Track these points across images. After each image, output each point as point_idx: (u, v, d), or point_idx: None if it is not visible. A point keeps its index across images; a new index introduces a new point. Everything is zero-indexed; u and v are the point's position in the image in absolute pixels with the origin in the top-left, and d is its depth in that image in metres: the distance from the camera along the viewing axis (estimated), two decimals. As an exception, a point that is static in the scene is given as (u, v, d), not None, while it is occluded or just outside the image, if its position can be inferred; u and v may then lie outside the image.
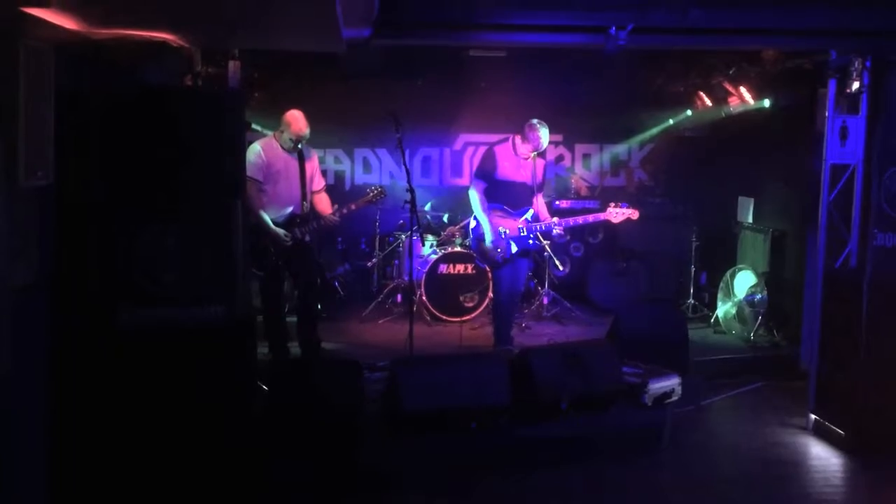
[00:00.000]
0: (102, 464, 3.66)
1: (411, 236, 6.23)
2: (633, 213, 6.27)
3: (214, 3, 3.61)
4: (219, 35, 4.60)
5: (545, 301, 7.98)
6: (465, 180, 9.01)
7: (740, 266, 7.63)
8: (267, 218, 5.81)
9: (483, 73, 8.36)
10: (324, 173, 6.55)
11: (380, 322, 7.60)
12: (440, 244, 7.91)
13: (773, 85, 7.14)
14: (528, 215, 6.22)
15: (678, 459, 5.02)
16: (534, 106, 7.07)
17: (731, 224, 8.29)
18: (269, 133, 6.20)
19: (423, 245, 7.84)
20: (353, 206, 6.17)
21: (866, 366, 5.02)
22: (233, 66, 5.50)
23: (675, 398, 5.28)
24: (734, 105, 7.98)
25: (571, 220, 6.25)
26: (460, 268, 7.62)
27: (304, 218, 6.02)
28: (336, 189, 8.60)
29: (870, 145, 5.29)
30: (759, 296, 7.24)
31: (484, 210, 6.19)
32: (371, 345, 6.77)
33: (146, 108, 3.76)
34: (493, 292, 6.80)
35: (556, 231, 6.18)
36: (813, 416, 5.46)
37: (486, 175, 6.22)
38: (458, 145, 9.49)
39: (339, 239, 8.53)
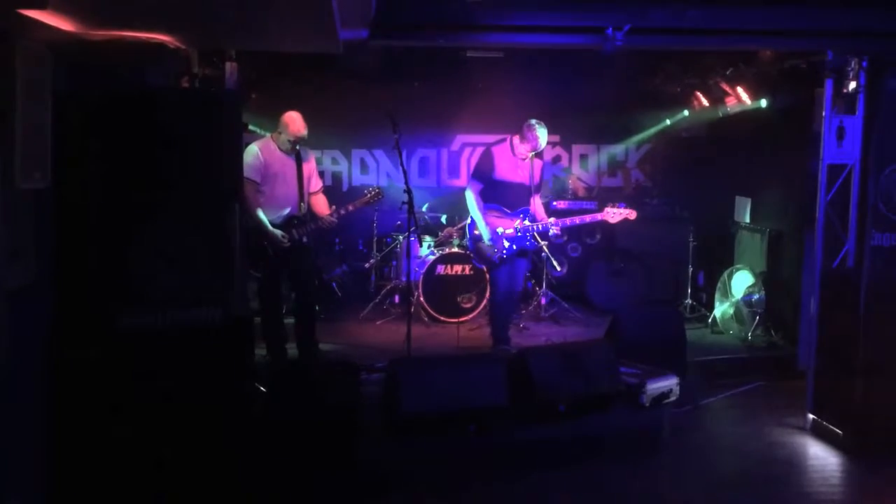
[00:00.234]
0: (100, 465, 3.65)
1: (409, 237, 6.22)
2: (631, 214, 6.28)
3: (211, 4, 3.61)
4: (216, 36, 4.61)
5: (543, 301, 7.99)
6: (462, 181, 9.01)
7: (738, 266, 7.64)
8: (265, 219, 5.80)
9: (480, 74, 8.37)
10: (321, 174, 6.56)
11: (377, 323, 7.60)
12: (438, 245, 7.91)
13: (770, 85, 7.15)
14: (526, 216, 6.22)
15: (676, 460, 5.02)
16: (531, 107, 7.08)
17: (728, 224, 8.30)
18: (267, 134, 6.19)
19: (421, 246, 7.84)
20: (350, 207, 6.17)
21: (864, 365, 5.02)
22: (230, 67, 5.51)
23: (672, 398, 5.28)
24: (731, 105, 7.99)
25: (568, 221, 6.25)
26: (458, 269, 7.62)
27: (302, 219, 6.01)
28: (333, 190, 8.59)
29: (866, 145, 5.30)
30: (756, 296, 7.24)
31: (480, 210, 6.19)
32: (369, 346, 6.76)
33: (143, 109, 3.76)
34: (491, 293, 6.79)
35: (553, 231, 6.19)
36: (811, 416, 5.47)
37: (484, 175, 6.22)
38: (455, 146, 9.50)
39: (337, 240, 8.53)
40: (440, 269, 7.59)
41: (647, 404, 5.13)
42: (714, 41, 5.53)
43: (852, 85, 5.28)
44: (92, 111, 3.68)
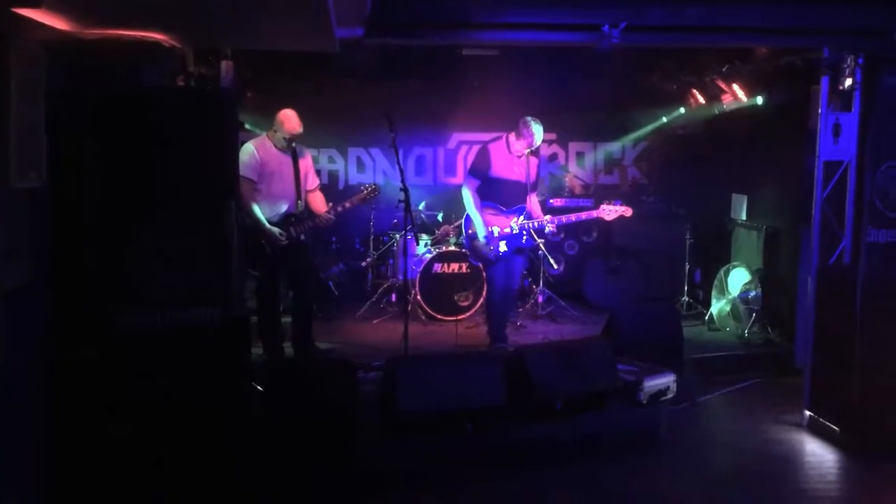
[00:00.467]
0: (98, 465, 3.65)
1: (405, 236, 6.21)
2: (627, 211, 6.28)
3: (206, 3, 3.60)
4: (211, 35, 4.59)
5: (540, 300, 7.99)
6: (459, 179, 9.01)
7: (734, 263, 7.65)
8: (262, 217, 5.80)
9: (476, 72, 8.36)
10: (318, 173, 6.54)
11: (374, 322, 7.59)
12: (435, 243, 7.91)
13: (766, 82, 7.16)
14: (522, 214, 6.21)
15: (673, 457, 5.02)
16: (527, 104, 7.08)
17: (724, 221, 8.30)
18: (263, 133, 6.19)
19: (418, 244, 7.84)
20: (347, 204, 6.16)
21: (861, 362, 5.02)
22: (225, 65, 5.50)
23: (670, 396, 5.29)
24: (727, 102, 7.99)
25: (564, 218, 6.25)
26: (455, 267, 7.62)
27: (300, 217, 6.01)
28: (330, 189, 8.58)
29: (862, 142, 5.31)
30: (753, 293, 7.25)
31: (478, 208, 6.19)
32: (366, 345, 6.75)
33: (139, 108, 3.75)
34: (488, 291, 6.79)
35: (549, 229, 6.18)
36: (808, 413, 5.48)
37: (480, 173, 6.22)
38: (451, 144, 9.49)
39: (334, 239, 8.52)
40: (437, 267, 7.59)
41: (645, 402, 5.14)
42: (710, 38, 5.54)
43: (848, 82, 5.29)
44: (87, 110, 3.66)
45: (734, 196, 8.20)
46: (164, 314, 3.72)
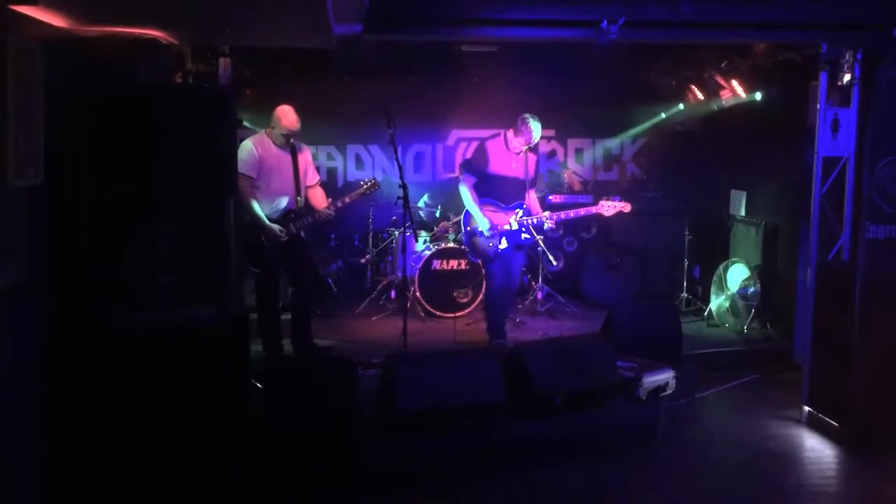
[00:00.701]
0: (97, 465, 3.64)
1: (404, 232, 6.22)
2: (625, 207, 6.27)
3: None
4: (209, 32, 4.59)
5: (539, 296, 7.98)
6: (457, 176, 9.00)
7: (733, 259, 7.65)
8: (261, 213, 5.79)
9: (475, 68, 8.35)
10: (317, 169, 6.53)
11: (373, 319, 7.59)
12: (434, 240, 7.91)
13: (764, 78, 7.16)
14: (521, 210, 6.21)
15: (673, 453, 5.03)
16: (526, 101, 7.06)
17: (723, 217, 8.30)
18: (261, 130, 6.17)
19: (417, 241, 7.84)
20: (346, 199, 6.16)
21: (859, 357, 5.03)
22: (223, 63, 5.50)
23: (669, 392, 5.29)
24: (726, 98, 7.99)
25: (563, 214, 6.24)
26: (454, 263, 7.61)
27: (299, 213, 6.00)
28: (328, 186, 8.53)
29: (861, 137, 5.31)
30: (752, 289, 7.25)
31: (476, 203, 6.18)
32: (365, 342, 6.75)
33: (136, 105, 3.74)
34: (486, 287, 6.79)
35: (548, 225, 6.18)
36: (806, 408, 5.48)
37: (477, 169, 6.21)
38: (450, 141, 9.48)
39: (333, 235, 8.51)
40: (436, 264, 7.58)
41: (644, 398, 5.14)
42: (709, 34, 5.53)
43: (847, 77, 5.29)
44: (85, 108, 3.65)
45: (733, 192, 8.20)
46: (162, 313, 3.71)
